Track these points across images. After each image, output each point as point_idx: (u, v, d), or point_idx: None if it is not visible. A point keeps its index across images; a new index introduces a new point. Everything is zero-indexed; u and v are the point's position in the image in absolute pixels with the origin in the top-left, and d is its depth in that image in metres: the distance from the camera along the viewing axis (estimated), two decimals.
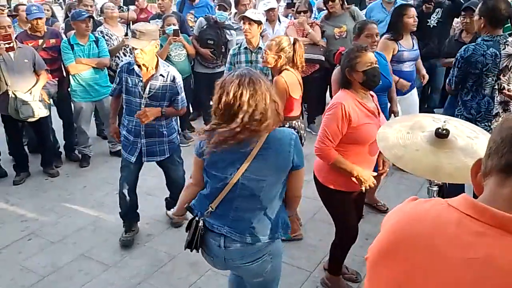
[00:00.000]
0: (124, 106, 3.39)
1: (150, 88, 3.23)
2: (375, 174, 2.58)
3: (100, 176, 4.76)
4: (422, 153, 1.58)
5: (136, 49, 3.10)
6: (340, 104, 2.40)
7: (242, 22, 4.01)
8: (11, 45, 4.04)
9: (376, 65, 2.48)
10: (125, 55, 5.14)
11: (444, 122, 1.57)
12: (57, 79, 4.90)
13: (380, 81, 2.55)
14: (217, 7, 5.53)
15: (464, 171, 1.51)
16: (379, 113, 2.60)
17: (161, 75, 3.25)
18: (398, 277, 0.97)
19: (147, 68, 3.21)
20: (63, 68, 4.94)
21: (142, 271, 3.20)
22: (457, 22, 5.41)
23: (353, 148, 2.48)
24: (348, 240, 2.75)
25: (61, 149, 5.27)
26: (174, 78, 3.31)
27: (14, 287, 3.07)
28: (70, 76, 4.83)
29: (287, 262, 3.25)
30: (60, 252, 3.46)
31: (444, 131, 1.56)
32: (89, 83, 4.80)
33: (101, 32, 5.07)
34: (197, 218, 2.00)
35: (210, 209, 1.96)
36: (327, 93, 5.73)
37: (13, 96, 4.26)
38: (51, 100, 4.84)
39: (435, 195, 1.71)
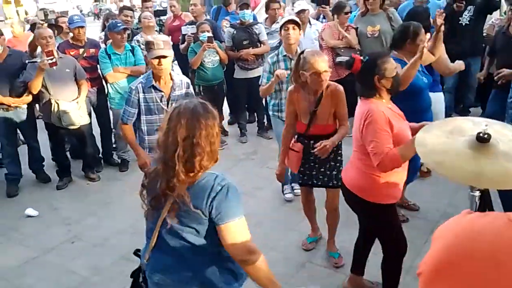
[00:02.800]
0: (145, 127, 3.27)
1: (172, 100, 3.18)
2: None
3: (139, 180, 4.82)
4: (462, 158, 1.55)
5: (165, 57, 3.05)
6: (379, 111, 2.34)
7: (281, 27, 3.88)
8: (54, 60, 4.23)
9: None
10: None
11: (486, 126, 1.54)
12: (96, 87, 5.07)
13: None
14: (239, 8, 5.56)
15: (507, 177, 1.47)
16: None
17: (177, 84, 3.25)
18: None
19: (165, 82, 3.19)
20: (101, 77, 5.11)
21: None
22: (490, 18, 5.27)
23: None
24: (403, 251, 2.62)
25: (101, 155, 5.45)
26: (188, 84, 3.34)
27: None
28: (108, 85, 4.99)
29: (323, 265, 3.26)
30: (101, 255, 3.58)
31: (486, 135, 1.52)
32: (126, 90, 4.92)
33: (138, 41, 5.22)
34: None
35: (146, 257, 1.83)
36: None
37: (56, 104, 4.44)
38: (91, 108, 5.02)
39: (476, 200, 1.67)
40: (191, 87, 3.35)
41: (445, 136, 1.68)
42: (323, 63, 2.90)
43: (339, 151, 3.20)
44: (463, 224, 1.04)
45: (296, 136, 3.22)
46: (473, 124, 1.71)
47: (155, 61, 3.05)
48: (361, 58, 2.53)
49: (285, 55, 3.89)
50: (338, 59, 4.87)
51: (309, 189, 3.34)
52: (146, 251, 1.83)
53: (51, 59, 4.20)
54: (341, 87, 3.10)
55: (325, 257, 3.34)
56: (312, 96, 3.05)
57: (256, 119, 6.08)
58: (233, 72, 5.59)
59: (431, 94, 3.79)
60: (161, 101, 3.20)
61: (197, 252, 1.74)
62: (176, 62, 5.75)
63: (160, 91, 3.19)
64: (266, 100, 4.55)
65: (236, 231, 1.68)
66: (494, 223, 0.96)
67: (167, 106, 3.16)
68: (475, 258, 0.94)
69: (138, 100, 3.19)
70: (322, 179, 3.18)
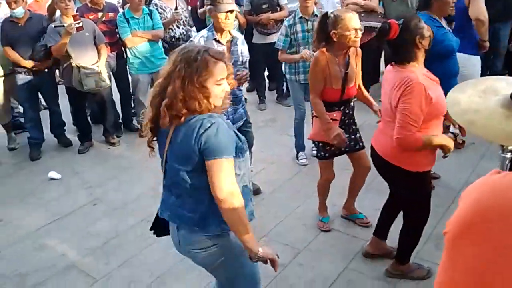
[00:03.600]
0: None
1: (231, 54, 3.19)
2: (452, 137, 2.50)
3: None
4: (495, 117, 1.49)
5: (232, 11, 3.05)
6: (419, 85, 2.24)
7: None
8: (80, 24, 4.24)
9: None
10: (178, 27, 5.19)
11: None
12: (115, 52, 5.05)
13: None
14: None
15: None
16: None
17: (236, 38, 3.25)
18: (486, 253, 0.92)
19: (226, 36, 3.18)
20: (120, 41, 5.08)
21: None
22: None
23: (433, 123, 2.34)
24: (426, 218, 2.60)
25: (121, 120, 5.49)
26: (243, 41, 3.34)
27: (81, 250, 3.28)
28: (127, 49, 4.96)
29: (342, 231, 3.25)
30: (122, 217, 3.64)
31: None
32: (145, 55, 4.90)
33: (155, 5, 5.14)
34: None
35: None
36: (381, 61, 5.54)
37: (76, 68, 4.45)
38: (110, 72, 5.01)
39: (507, 162, 1.61)
40: (245, 44, 3.35)
41: (478, 96, 1.61)
42: (357, 19, 2.84)
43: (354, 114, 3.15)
44: (490, 182, 1.00)
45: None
46: (506, 84, 1.65)
47: (223, 15, 3.03)
48: (397, 22, 2.41)
49: (301, 17, 3.88)
50: (365, 24, 4.73)
51: (331, 161, 3.19)
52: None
53: (78, 23, 4.20)
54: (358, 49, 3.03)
55: (343, 223, 3.33)
56: (342, 57, 2.95)
57: (276, 86, 6.00)
58: (251, 37, 5.48)
59: (469, 57, 3.67)
60: None
61: (194, 191, 1.80)
62: (194, 27, 5.66)
63: (222, 44, 3.19)
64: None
65: (220, 169, 1.71)
66: None
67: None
68: (501, 215, 0.91)
69: None
70: (349, 144, 3.07)
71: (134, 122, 5.41)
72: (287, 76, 4.09)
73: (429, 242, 2.96)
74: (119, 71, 5.15)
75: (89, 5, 4.94)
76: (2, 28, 4.41)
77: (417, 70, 2.35)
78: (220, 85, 1.77)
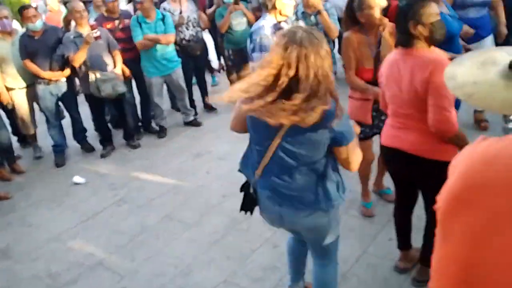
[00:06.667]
0: None
1: None
2: None
3: (177, 145, 5.04)
4: (495, 88, 1.47)
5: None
6: (447, 62, 2.06)
7: None
8: (98, 33, 4.42)
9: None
10: (187, 29, 5.27)
11: None
12: (132, 57, 5.15)
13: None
14: None
15: None
16: None
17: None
18: (479, 224, 0.92)
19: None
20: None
21: (220, 229, 3.39)
22: None
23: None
24: None
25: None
26: None
27: (109, 247, 3.40)
28: (141, 53, 5.07)
29: (359, 216, 3.28)
30: (146, 215, 3.76)
31: None
32: (158, 58, 4.99)
33: (164, 8, 5.23)
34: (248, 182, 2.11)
35: (257, 173, 2.01)
36: None
37: (93, 75, 4.59)
38: (132, 77, 5.16)
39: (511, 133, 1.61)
40: None
41: (476, 67, 1.61)
42: None
43: None
44: (478, 150, 0.99)
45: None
46: (507, 54, 1.63)
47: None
48: (398, 2, 2.37)
49: (303, 12, 3.80)
50: None
51: (369, 141, 3.15)
52: (256, 171, 2.02)
53: (95, 33, 4.36)
54: (393, 24, 2.87)
55: (358, 209, 3.35)
56: (373, 37, 2.93)
57: None
58: None
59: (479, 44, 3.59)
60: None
61: (303, 170, 1.90)
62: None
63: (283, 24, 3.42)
64: None
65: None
66: (510, 146, 0.92)
67: None
68: (494, 186, 0.90)
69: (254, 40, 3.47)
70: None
71: (153, 124, 5.53)
72: None
73: None
74: (138, 75, 5.25)
75: (105, 14, 5.08)
76: (21, 42, 4.58)
77: (432, 50, 2.24)
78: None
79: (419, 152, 2.31)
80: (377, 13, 2.79)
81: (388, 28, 2.90)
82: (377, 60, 2.89)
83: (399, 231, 2.72)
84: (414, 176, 2.47)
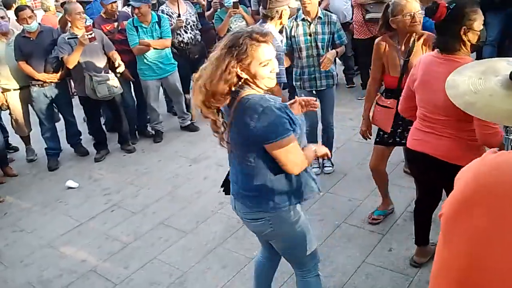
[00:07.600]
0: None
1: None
2: None
3: (173, 149, 4.99)
4: (496, 98, 1.46)
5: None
6: None
7: None
8: (93, 35, 4.37)
9: None
10: (186, 32, 5.23)
11: None
12: (131, 59, 5.08)
13: None
14: None
15: None
16: None
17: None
18: (481, 228, 0.92)
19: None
20: None
21: (217, 236, 3.34)
22: None
23: None
24: None
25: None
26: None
27: (102, 254, 3.34)
28: (137, 56, 5.02)
29: (358, 226, 3.23)
30: (141, 222, 3.70)
31: None
32: (154, 61, 4.94)
33: (162, 11, 5.19)
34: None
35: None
36: None
37: (89, 77, 4.54)
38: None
39: (511, 143, 1.58)
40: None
41: (478, 77, 1.59)
42: (415, 3, 2.78)
43: None
44: (485, 161, 1.00)
45: (383, 93, 3.05)
46: (507, 63, 1.61)
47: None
48: (446, 4, 2.25)
49: (303, 19, 3.68)
50: (374, 16, 4.68)
51: (386, 149, 3.09)
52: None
53: (90, 34, 4.31)
54: (433, 35, 2.64)
55: (360, 218, 3.30)
56: (403, 45, 2.89)
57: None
58: None
59: None
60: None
61: (251, 168, 1.89)
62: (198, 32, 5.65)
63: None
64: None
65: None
66: None
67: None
68: (501, 191, 0.91)
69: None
70: (401, 137, 2.98)
71: (149, 128, 5.48)
72: (294, 83, 3.91)
73: None
74: (135, 78, 5.18)
75: (104, 16, 5.04)
76: (16, 43, 4.53)
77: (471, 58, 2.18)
78: (265, 66, 1.78)
79: (452, 159, 2.24)
80: (408, 20, 2.75)
81: (424, 37, 2.85)
82: (405, 69, 2.86)
83: (418, 227, 2.73)
84: (441, 180, 2.41)
